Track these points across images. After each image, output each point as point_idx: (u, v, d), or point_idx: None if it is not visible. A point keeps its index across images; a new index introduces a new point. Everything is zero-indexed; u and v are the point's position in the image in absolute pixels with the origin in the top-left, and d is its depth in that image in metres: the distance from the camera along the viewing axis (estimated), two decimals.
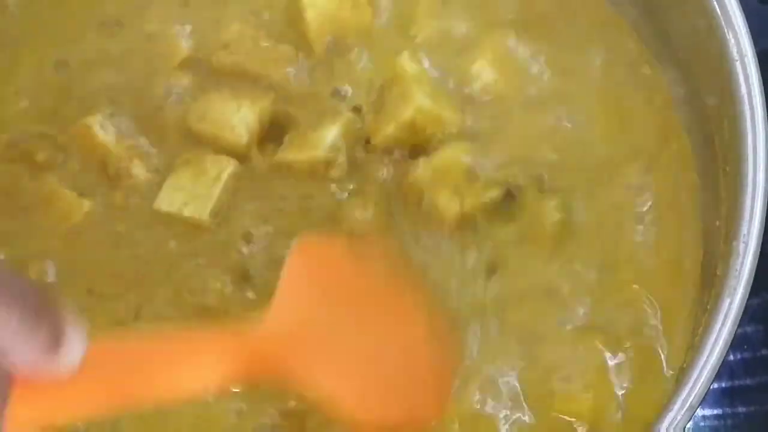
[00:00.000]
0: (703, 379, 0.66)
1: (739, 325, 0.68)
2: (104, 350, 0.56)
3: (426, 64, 0.85)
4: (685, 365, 0.71)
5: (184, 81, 0.85)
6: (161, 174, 0.82)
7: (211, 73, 0.86)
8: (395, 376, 0.68)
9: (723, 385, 0.94)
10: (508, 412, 0.76)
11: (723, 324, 0.67)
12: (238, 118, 0.82)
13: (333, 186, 0.82)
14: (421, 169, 0.81)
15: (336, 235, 0.79)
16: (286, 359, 0.63)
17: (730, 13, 0.73)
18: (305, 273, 0.68)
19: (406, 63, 0.83)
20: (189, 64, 0.86)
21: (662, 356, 0.76)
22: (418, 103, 0.81)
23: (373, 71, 0.86)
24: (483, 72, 0.84)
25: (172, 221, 0.80)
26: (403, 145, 0.83)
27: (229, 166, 0.81)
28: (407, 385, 0.68)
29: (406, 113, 0.81)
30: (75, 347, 0.52)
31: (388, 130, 0.82)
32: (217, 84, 0.85)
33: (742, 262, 0.68)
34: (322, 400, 0.64)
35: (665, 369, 0.76)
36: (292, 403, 0.77)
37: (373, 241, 0.79)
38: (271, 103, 0.84)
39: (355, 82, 0.85)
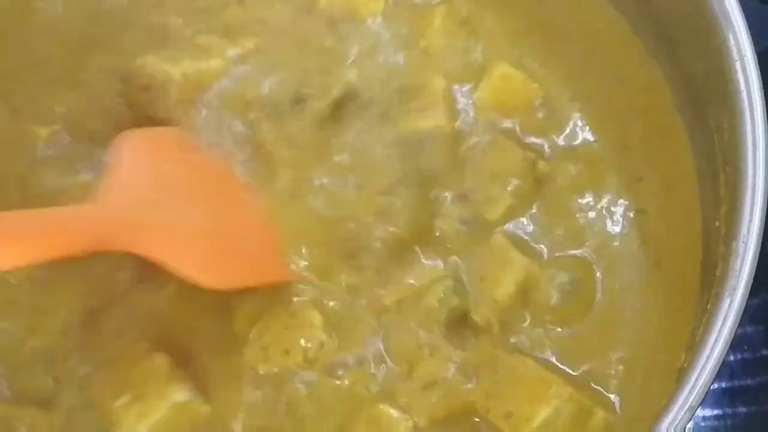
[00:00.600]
0: (703, 379, 0.66)
1: (740, 325, 0.68)
2: None
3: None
4: (685, 365, 0.71)
5: None
6: None
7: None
8: (226, 245, 0.80)
9: (723, 385, 0.94)
10: None
11: (723, 324, 0.67)
12: None
13: None
14: None
15: (157, 129, 0.86)
16: (127, 233, 0.74)
17: (730, 13, 0.73)
18: (131, 160, 0.79)
19: (438, 80, 0.86)
20: None
21: None
22: (440, 122, 0.85)
23: (382, 68, 0.88)
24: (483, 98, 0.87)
25: None
26: None
27: None
28: (238, 252, 0.81)
29: (426, 125, 0.85)
30: None
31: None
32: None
33: (742, 263, 0.68)
34: (168, 266, 0.75)
35: None
36: None
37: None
38: None
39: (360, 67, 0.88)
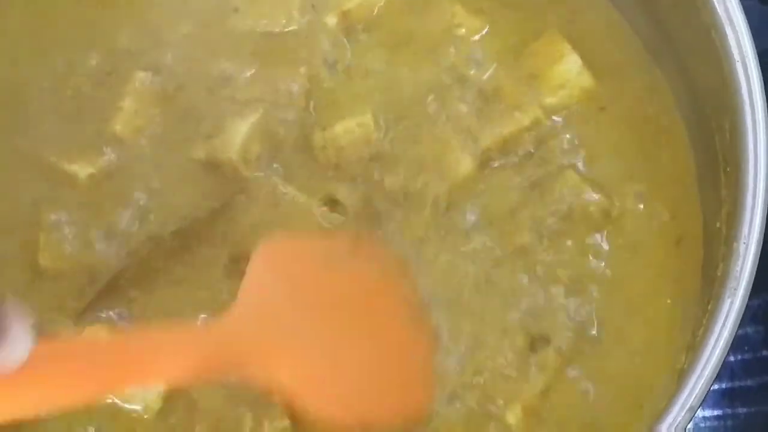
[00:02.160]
0: (703, 380, 0.66)
1: (740, 326, 0.68)
2: (57, 348, 0.57)
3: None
4: (685, 366, 0.71)
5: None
6: None
7: None
8: (369, 376, 0.69)
9: (723, 386, 0.94)
10: None
11: (723, 325, 0.67)
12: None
13: None
14: None
15: (305, 235, 0.78)
16: (251, 356, 0.64)
17: (731, 13, 0.73)
18: (270, 272, 0.69)
19: (509, 76, 0.85)
20: None
21: None
22: (537, 114, 0.84)
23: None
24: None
25: None
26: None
27: None
28: (382, 384, 0.69)
29: (525, 121, 0.83)
30: (18, 345, 0.50)
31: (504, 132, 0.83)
32: None
33: (743, 264, 0.68)
34: (291, 399, 0.65)
35: None
36: None
37: (349, 236, 0.78)
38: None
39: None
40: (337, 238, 0.78)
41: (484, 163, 0.83)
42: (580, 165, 0.83)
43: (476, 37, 0.87)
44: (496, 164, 0.83)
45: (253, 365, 0.64)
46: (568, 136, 0.84)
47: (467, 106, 0.85)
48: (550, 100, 0.84)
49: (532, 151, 0.84)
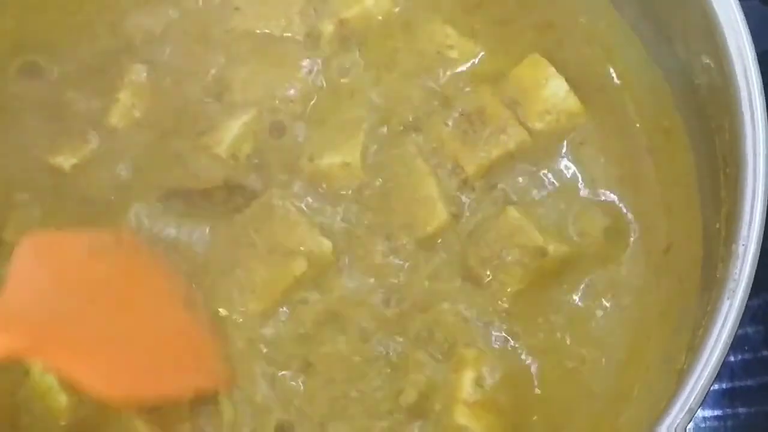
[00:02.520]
0: (703, 380, 0.66)
1: (740, 326, 0.68)
2: None
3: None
4: (685, 367, 0.71)
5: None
6: None
7: None
8: (144, 355, 0.75)
9: (723, 386, 0.95)
10: None
11: (723, 326, 0.67)
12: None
13: None
14: None
15: (71, 232, 0.81)
16: (25, 340, 0.68)
17: (731, 13, 0.73)
18: (36, 264, 0.74)
19: (494, 99, 0.84)
20: None
21: None
22: (523, 137, 0.83)
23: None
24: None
25: None
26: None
27: None
28: (160, 363, 0.76)
29: (510, 144, 0.83)
30: None
31: (493, 155, 0.83)
32: None
33: (742, 265, 0.68)
34: (70, 379, 0.71)
35: None
36: None
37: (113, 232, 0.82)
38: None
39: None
40: (100, 233, 0.82)
41: (457, 215, 0.83)
42: (561, 194, 0.85)
43: (467, 60, 0.87)
44: (468, 213, 0.83)
45: (25, 350, 0.68)
46: (546, 169, 0.85)
47: (452, 131, 0.84)
48: (538, 125, 0.84)
49: (507, 186, 0.84)
